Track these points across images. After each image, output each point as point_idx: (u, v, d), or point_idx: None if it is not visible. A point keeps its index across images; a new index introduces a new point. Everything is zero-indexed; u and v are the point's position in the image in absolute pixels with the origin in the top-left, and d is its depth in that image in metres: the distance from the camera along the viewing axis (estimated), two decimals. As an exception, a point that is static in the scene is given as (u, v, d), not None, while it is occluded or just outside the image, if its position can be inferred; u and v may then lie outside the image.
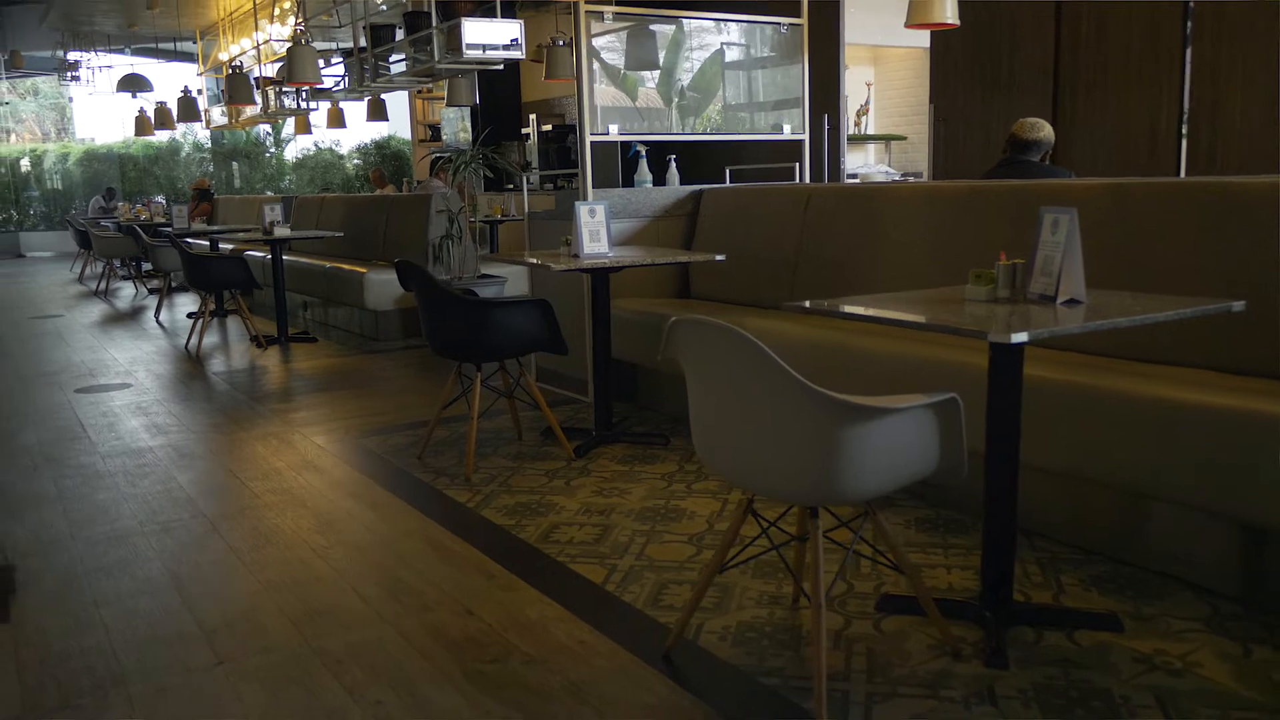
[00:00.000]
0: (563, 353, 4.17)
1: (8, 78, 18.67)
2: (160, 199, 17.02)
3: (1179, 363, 3.01)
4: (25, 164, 20.62)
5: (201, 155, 20.87)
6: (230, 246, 9.33)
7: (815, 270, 4.50)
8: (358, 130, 17.82)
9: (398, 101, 14.28)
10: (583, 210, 4.17)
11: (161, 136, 21.56)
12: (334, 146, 19.91)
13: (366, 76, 7.93)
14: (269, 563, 3.12)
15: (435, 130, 15.34)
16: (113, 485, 4.00)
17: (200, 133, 20.53)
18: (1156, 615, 2.56)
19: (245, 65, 11.01)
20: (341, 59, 9.65)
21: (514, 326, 3.98)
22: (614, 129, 5.03)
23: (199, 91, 13.42)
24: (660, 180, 5.74)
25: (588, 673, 2.37)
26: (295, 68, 7.31)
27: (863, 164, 9.76)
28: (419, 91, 14.56)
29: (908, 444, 2.13)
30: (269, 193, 18.03)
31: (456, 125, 13.51)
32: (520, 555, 3.12)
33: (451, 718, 2.21)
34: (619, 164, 9.21)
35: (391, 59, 8.17)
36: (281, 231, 7.47)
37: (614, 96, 5.05)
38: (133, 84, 14.37)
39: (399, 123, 17.15)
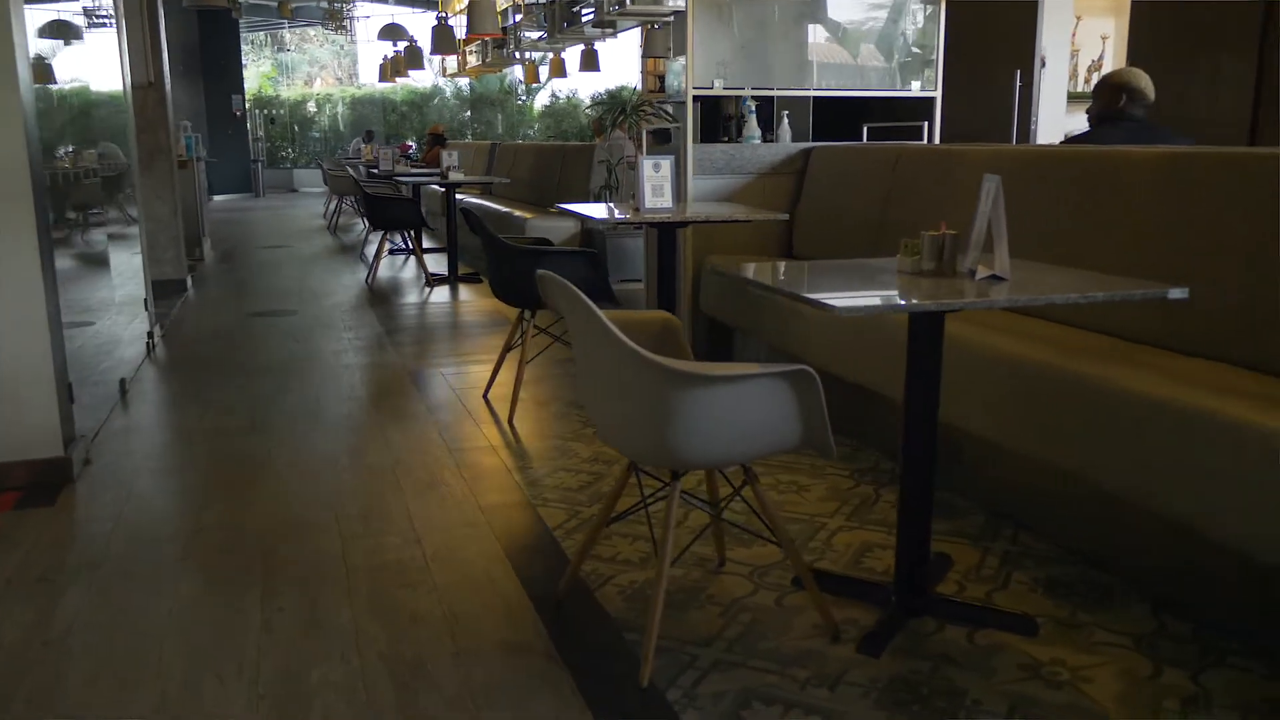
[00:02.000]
0: (610, 303, 4.24)
1: (290, 26, 20.56)
2: (411, 142, 18.33)
3: (1191, 351, 2.71)
4: (311, 106, 22.71)
5: (457, 101, 22.17)
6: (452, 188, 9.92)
7: (897, 232, 4.29)
8: (601, 79, 18.35)
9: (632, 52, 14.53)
10: (647, 164, 4.19)
11: (424, 83, 23.16)
12: (570, 95, 20.57)
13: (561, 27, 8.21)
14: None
15: (662, 81, 15.55)
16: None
17: (461, 80, 21.82)
18: (1087, 625, 2.36)
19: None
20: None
21: (569, 275, 4.07)
22: (719, 84, 4.97)
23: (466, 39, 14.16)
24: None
25: (473, 607, 2.49)
26: (475, 19, 7.67)
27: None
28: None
29: (756, 414, 2.08)
30: (517, 139, 18.93)
31: (681, 77, 13.61)
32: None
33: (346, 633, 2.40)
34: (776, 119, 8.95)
35: (581, 10, 8.41)
36: (455, 176, 7.92)
37: (733, 48, 4.97)
38: (392, 33, 15.50)
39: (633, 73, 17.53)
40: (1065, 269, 2.63)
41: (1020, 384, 2.80)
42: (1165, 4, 5.88)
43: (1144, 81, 3.84)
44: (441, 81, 22.18)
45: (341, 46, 25.67)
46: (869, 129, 6.10)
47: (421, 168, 11.57)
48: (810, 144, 5.19)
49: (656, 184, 4.21)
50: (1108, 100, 3.95)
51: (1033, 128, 7.23)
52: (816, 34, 5.10)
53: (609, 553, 2.78)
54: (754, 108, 5.30)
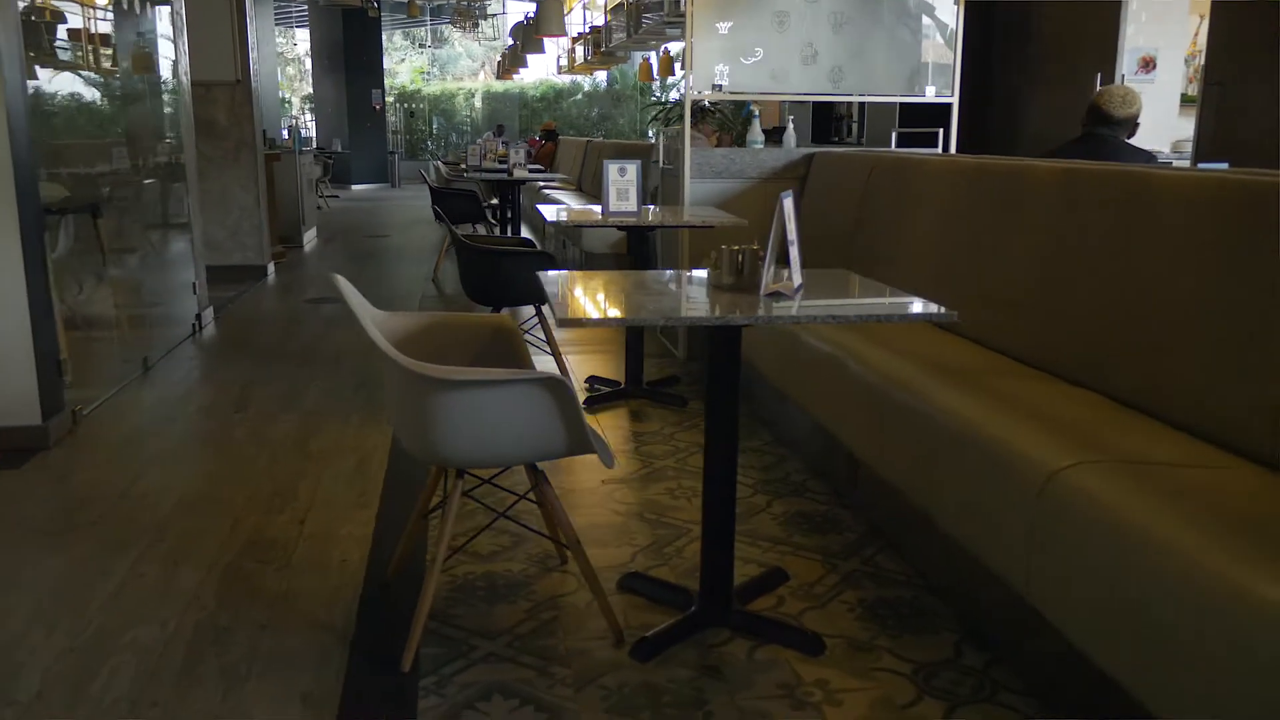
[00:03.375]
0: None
1: (427, 24, 21.35)
2: (539, 137, 18.78)
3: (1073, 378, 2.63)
4: (453, 100, 23.55)
5: (585, 98, 22.55)
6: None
7: (866, 243, 4.24)
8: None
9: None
10: (612, 169, 4.27)
11: (564, 79, 23.65)
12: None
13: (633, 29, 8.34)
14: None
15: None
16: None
17: (599, 75, 22.18)
18: (881, 649, 2.33)
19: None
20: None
21: (519, 275, 4.21)
22: (724, 84, 4.98)
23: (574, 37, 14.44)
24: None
25: (309, 585, 2.65)
26: (542, 21, 7.87)
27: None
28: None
29: (515, 418, 2.15)
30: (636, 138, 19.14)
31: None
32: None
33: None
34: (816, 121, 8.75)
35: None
36: (520, 173, 8.16)
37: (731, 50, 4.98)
38: (519, 32, 15.95)
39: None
40: (875, 283, 2.59)
41: (873, 403, 2.77)
42: (1244, 4, 5.53)
43: (1107, 100, 3.69)
44: (582, 78, 22.60)
45: (494, 42, 26.47)
46: (898, 135, 5.99)
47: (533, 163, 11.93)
48: (813, 149, 5.14)
49: (621, 188, 4.28)
50: (1083, 119, 3.83)
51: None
52: (838, 34, 5.03)
53: (474, 546, 2.89)
54: (758, 112, 5.28)
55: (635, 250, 4.40)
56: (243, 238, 8.15)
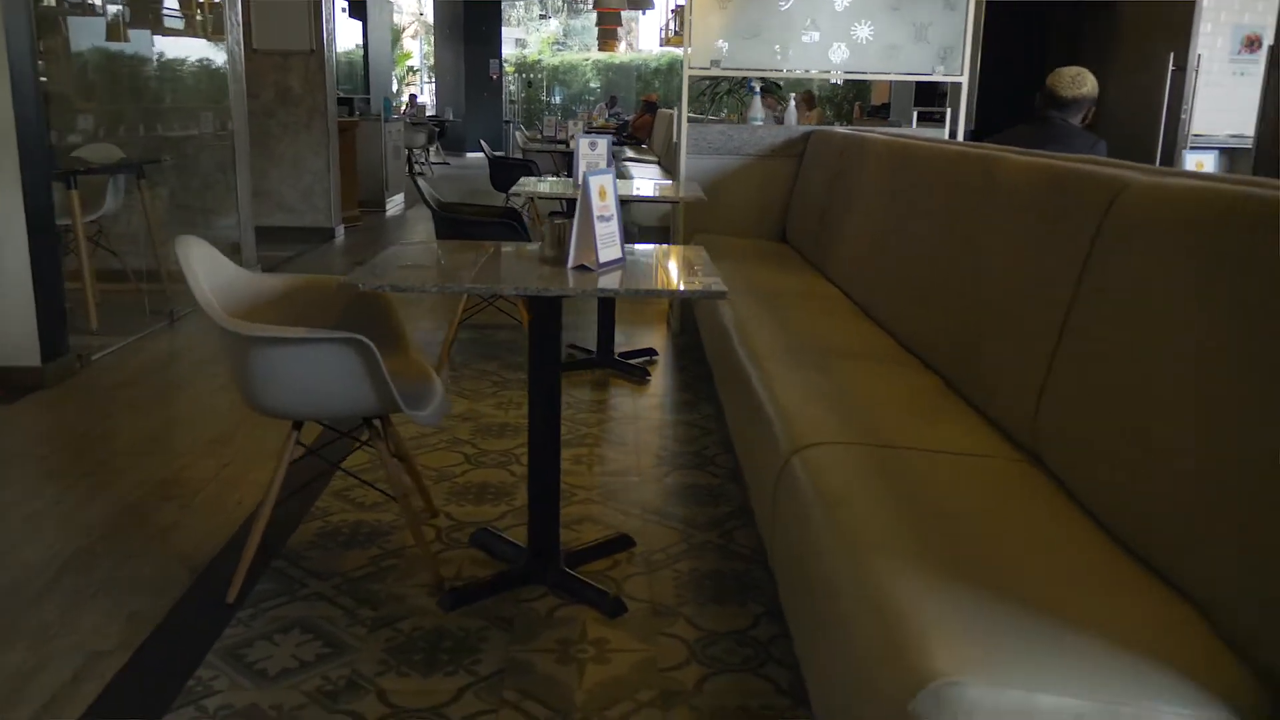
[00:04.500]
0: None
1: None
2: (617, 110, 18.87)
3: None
4: (594, 71, 23.82)
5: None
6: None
7: (829, 220, 4.22)
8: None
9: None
10: (583, 143, 4.37)
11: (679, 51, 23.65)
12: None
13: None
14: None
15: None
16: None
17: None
18: (684, 617, 2.40)
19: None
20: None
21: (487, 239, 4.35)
22: (722, 60, 4.99)
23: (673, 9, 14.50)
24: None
25: (196, 520, 2.89)
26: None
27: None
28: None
29: (324, 374, 2.30)
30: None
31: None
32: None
33: (75, 523, 2.87)
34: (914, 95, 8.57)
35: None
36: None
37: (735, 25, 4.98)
38: (638, 4, 16.06)
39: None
40: (704, 260, 2.61)
41: (738, 377, 2.81)
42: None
43: (1056, 80, 3.57)
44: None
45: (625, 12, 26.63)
46: (919, 113, 5.87)
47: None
48: (810, 127, 5.10)
49: (592, 161, 4.37)
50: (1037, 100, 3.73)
51: (1184, 116, 6.58)
52: (842, 11, 4.97)
53: (360, 495, 3.07)
54: (759, 89, 5.27)
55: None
56: (314, 200, 8.56)
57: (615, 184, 2.41)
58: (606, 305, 4.56)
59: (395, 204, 11.29)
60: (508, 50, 23.23)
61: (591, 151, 4.37)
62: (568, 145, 8.31)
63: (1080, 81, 3.52)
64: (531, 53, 25.26)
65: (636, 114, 15.19)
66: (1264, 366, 1.35)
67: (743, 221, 5.12)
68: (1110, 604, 1.43)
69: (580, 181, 2.35)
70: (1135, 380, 1.64)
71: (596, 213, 2.33)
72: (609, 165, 4.36)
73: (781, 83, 7.05)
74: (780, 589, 1.95)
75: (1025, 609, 1.37)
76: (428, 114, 18.27)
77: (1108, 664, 1.26)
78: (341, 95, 10.83)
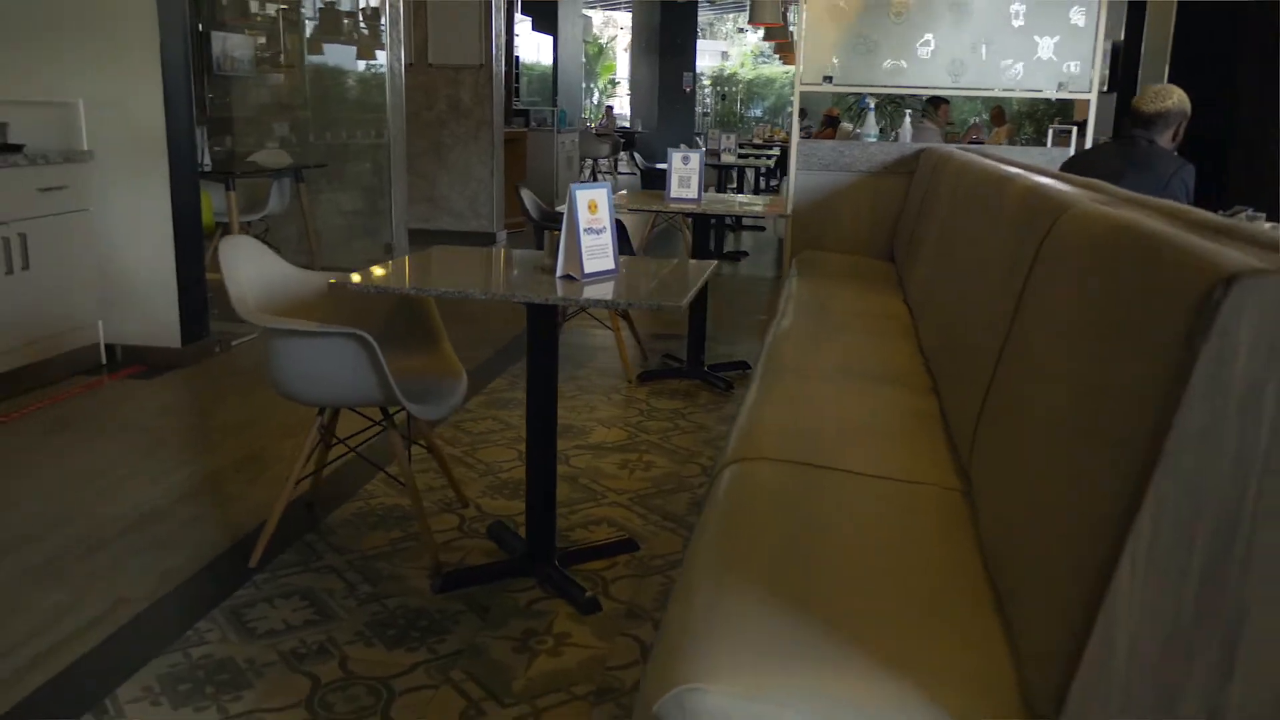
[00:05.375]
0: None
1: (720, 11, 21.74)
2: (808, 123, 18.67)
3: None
4: (763, 84, 23.87)
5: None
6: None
7: (917, 237, 4.14)
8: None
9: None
10: (676, 157, 4.47)
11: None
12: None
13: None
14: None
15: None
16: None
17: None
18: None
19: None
20: None
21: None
22: (835, 75, 4.97)
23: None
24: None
25: (250, 492, 3.18)
26: (756, 8, 8.02)
27: None
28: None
29: (332, 366, 2.51)
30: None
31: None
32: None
33: (156, 488, 3.22)
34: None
35: None
36: (728, 159, 8.41)
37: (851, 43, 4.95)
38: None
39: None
40: (688, 276, 2.64)
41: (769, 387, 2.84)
42: None
43: (1139, 96, 3.37)
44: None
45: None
46: (1053, 130, 5.63)
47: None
48: (923, 144, 5.00)
49: (684, 175, 4.48)
50: (1128, 119, 3.54)
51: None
52: (959, 27, 4.86)
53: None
54: (873, 105, 5.20)
55: (699, 237, 4.57)
56: (478, 208, 9.04)
57: (610, 198, 2.51)
58: (697, 317, 4.63)
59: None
60: (708, 63, 23.57)
61: (684, 166, 4.46)
62: (719, 159, 8.41)
63: (1163, 96, 3.31)
64: (732, 65, 25.49)
65: (819, 128, 15.10)
66: (1101, 431, 1.30)
67: (853, 239, 5.07)
68: (931, 641, 1.41)
69: (569, 196, 2.46)
70: (1018, 411, 1.60)
71: (584, 225, 2.43)
72: (699, 180, 4.44)
73: (947, 97, 6.87)
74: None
75: (827, 632, 1.37)
76: (618, 125, 18.77)
77: (875, 694, 1.26)
78: (521, 107, 11.34)
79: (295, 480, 2.72)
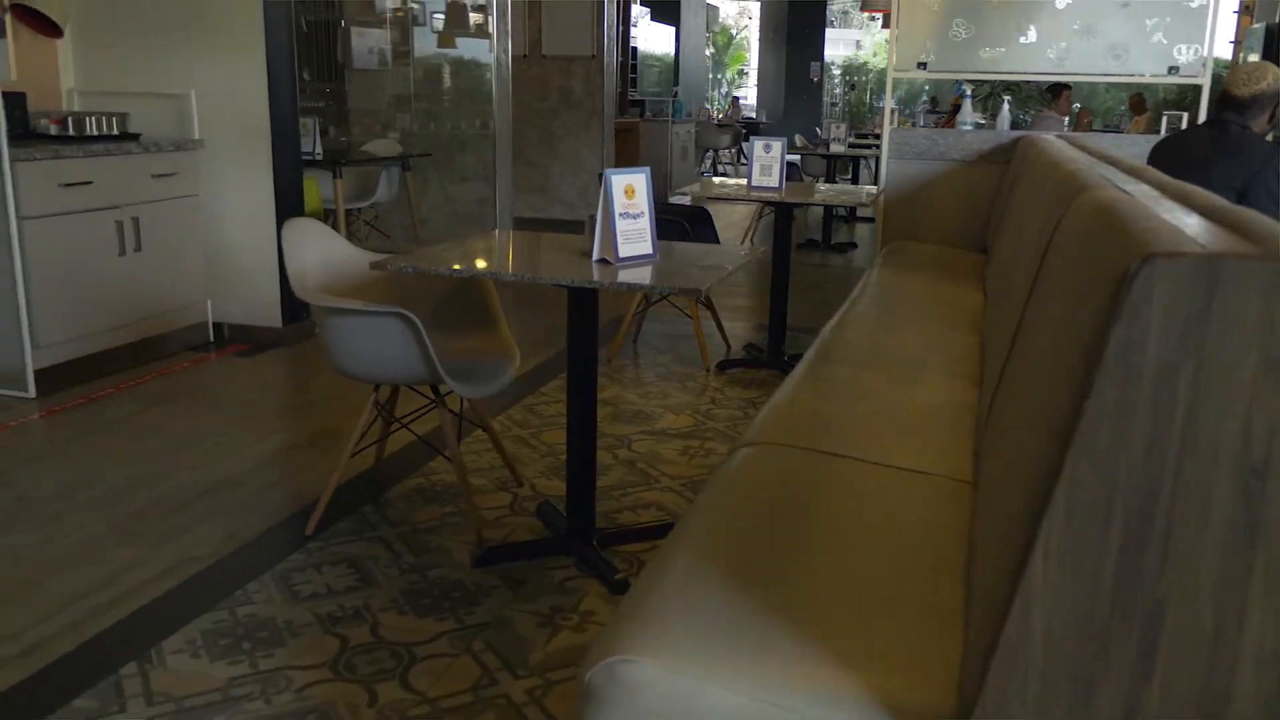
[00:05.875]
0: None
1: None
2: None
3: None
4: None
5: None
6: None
7: (997, 233, 4.01)
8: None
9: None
10: (758, 145, 4.44)
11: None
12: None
13: None
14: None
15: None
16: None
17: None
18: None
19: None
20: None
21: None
22: (929, 64, 4.85)
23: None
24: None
25: (323, 463, 3.34)
26: (869, -5, 7.88)
27: None
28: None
29: (381, 343, 2.61)
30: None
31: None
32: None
33: (237, 457, 3.41)
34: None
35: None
36: (836, 148, 8.29)
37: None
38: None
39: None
40: (723, 261, 2.62)
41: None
42: None
43: (1231, 78, 3.17)
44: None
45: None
46: (1168, 116, 5.36)
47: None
48: (1020, 133, 4.83)
49: (766, 164, 4.46)
50: (1220, 101, 3.34)
51: None
52: (1060, 12, 4.67)
53: (469, 462, 3.40)
54: (969, 93, 5.04)
55: (781, 226, 4.54)
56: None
57: (648, 183, 2.53)
58: (778, 307, 4.60)
59: (678, 200, 11.72)
60: (840, 52, 23.20)
61: (766, 154, 4.43)
62: (828, 149, 8.30)
63: (1258, 76, 3.11)
64: (865, 54, 24.96)
65: (948, 116, 14.70)
66: (1036, 416, 1.27)
67: (945, 229, 4.95)
68: (889, 630, 1.39)
69: (604, 182, 2.49)
70: (1010, 400, 1.56)
71: (620, 210, 2.46)
72: (781, 168, 4.41)
73: (1069, 83, 6.63)
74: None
75: (781, 615, 1.37)
76: (742, 116, 18.67)
77: (807, 678, 1.25)
78: (638, 97, 11.42)
79: (350, 453, 2.84)
